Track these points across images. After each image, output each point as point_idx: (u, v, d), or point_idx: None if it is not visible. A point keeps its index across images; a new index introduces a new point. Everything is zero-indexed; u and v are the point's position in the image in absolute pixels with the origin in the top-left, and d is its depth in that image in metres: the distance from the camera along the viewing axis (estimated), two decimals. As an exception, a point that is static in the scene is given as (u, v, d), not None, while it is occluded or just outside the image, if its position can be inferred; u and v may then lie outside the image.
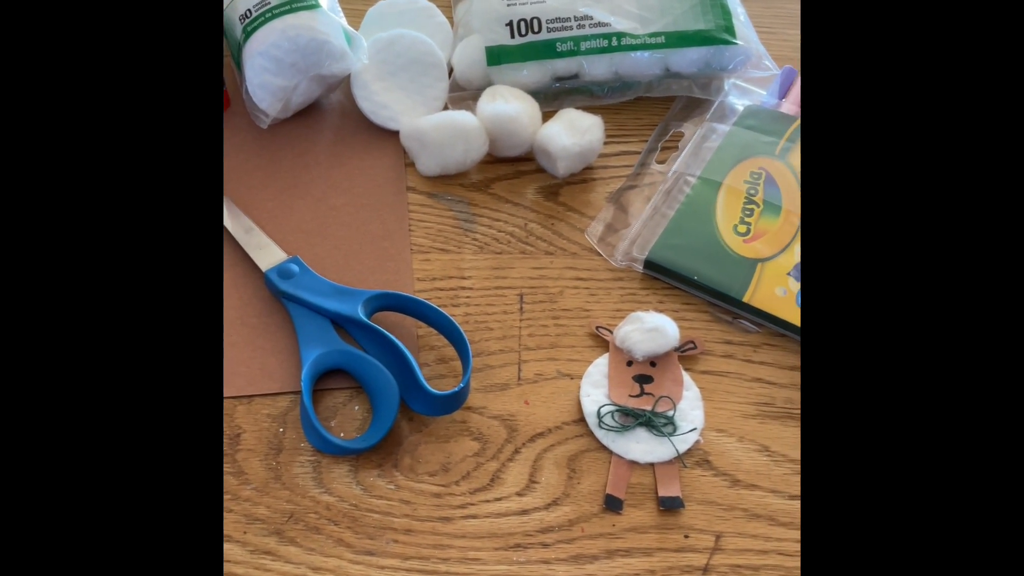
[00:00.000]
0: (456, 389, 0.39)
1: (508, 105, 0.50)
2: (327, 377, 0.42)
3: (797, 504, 0.39)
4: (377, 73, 0.51)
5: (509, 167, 0.51)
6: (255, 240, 0.46)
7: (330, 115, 0.52)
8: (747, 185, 0.49)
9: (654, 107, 0.54)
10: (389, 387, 0.40)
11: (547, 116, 0.51)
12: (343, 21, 0.51)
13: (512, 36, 0.52)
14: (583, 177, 0.51)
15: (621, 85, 0.54)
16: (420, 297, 0.44)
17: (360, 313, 0.42)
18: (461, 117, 0.49)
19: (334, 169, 0.50)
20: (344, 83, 0.53)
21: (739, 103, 0.53)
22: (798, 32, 0.58)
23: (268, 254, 0.45)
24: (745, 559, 0.37)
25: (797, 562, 0.37)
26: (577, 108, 0.51)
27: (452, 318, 0.42)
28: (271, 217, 0.47)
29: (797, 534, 0.38)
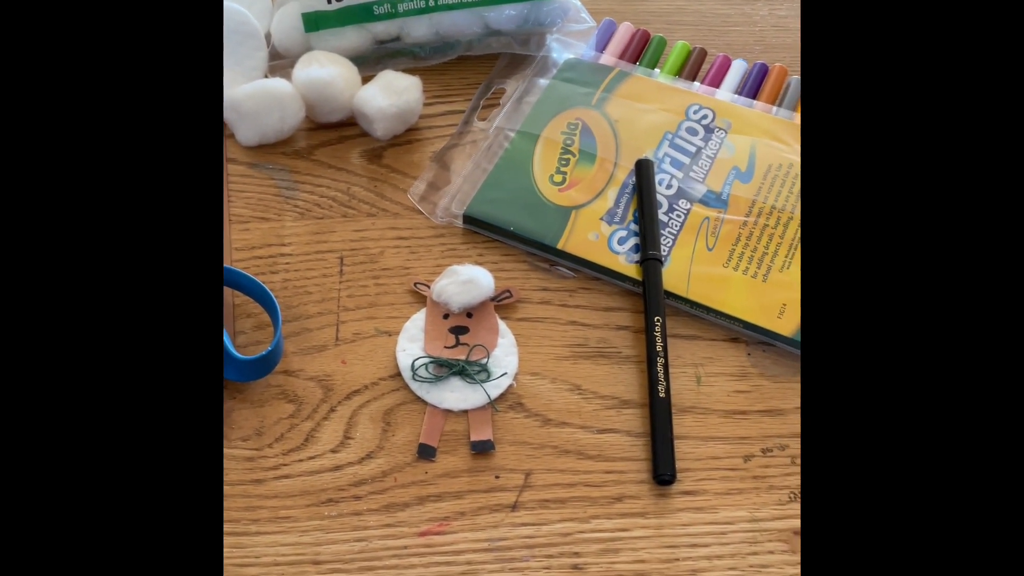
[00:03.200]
0: (264, 353, 0.40)
1: (323, 70, 0.49)
2: (138, 352, 0.41)
3: (605, 437, 0.40)
4: (191, 45, 0.51)
5: (333, 133, 0.51)
6: None
7: (147, 91, 0.51)
8: (564, 136, 0.50)
9: (480, 66, 0.54)
10: (196, 356, 0.40)
11: (370, 81, 0.51)
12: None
13: (329, 1, 0.51)
14: (407, 138, 0.51)
15: (443, 45, 0.54)
16: (237, 267, 0.44)
17: (169, 285, 0.42)
18: (275, 84, 0.49)
19: (151, 145, 0.49)
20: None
21: (561, 57, 0.54)
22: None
23: None
24: (553, 493, 0.39)
25: (603, 492, 0.39)
26: (400, 71, 0.51)
27: (260, 282, 0.42)
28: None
29: (604, 465, 0.40)
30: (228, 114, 0.49)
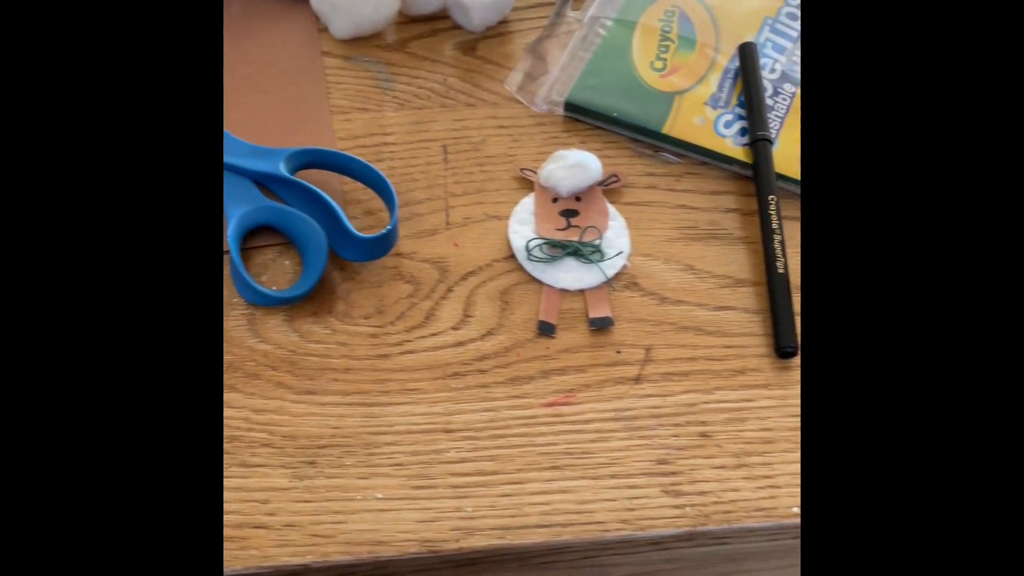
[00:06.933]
0: (384, 231, 0.40)
1: (417, -41, 0.49)
2: (255, 235, 0.42)
3: (722, 315, 0.41)
4: (280, -62, 0.50)
5: (425, 26, 0.51)
6: None
7: (236, -14, 0.51)
8: (661, 23, 0.49)
9: (568, -42, 0.54)
10: (317, 236, 0.40)
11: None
12: None
13: None
14: (499, 31, 0.50)
15: (532, -65, 0.53)
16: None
17: (283, 170, 0.42)
18: (369, -26, 0.48)
19: (243, 40, 0.49)
20: (247, -48, 0.51)
21: (652, -53, 0.53)
22: None
23: None
24: (675, 367, 0.39)
25: (724, 365, 0.39)
26: (489, -37, 0.51)
27: (373, 166, 0.42)
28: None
29: (723, 340, 0.40)
30: (321, 6, 0.49)
